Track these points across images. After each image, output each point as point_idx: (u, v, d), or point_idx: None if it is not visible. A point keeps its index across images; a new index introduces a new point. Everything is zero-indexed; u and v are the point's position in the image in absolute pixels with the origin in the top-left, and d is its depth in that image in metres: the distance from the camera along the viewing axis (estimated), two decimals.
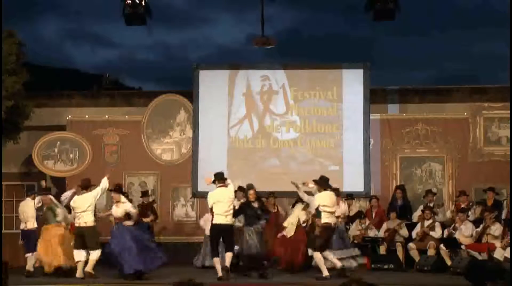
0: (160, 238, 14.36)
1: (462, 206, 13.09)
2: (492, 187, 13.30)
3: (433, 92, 15.72)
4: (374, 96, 15.05)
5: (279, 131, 15.02)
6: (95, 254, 11.25)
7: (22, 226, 12.45)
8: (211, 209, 11.06)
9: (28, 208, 12.37)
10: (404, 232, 13.08)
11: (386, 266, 12.49)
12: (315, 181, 11.26)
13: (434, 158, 14.84)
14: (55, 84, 18.11)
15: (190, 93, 15.23)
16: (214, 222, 10.99)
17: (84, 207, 11.28)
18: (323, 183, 11.15)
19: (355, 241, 13.05)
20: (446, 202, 14.36)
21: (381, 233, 13.15)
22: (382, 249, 13.02)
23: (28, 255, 12.16)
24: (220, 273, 10.83)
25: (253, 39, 14.76)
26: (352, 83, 14.95)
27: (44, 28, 55.86)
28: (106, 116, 15.43)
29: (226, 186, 11.10)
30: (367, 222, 13.33)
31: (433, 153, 14.86)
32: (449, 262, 12.14)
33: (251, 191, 11.83)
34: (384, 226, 13.22)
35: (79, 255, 11.31)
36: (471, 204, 13.22)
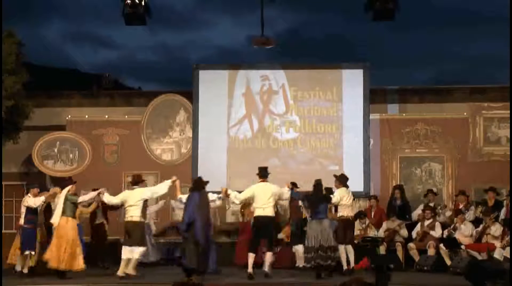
0: (160, 238, 14.34)
1: (461, 205, 13.10)
2: (493, 187, 13.26)
3: (432, 92, 15.73)
4: (374, 96, 15.05)
5: (279, 131, 15.02)
6: (139, 252, 10.97)
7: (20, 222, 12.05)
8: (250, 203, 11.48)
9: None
10: (404, 233, 13.07)
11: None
12: (336, 176, 11.72)
13: (434, 158, 14.84)
14: (55, 84, 18.10)
15: (190, 93, 15.23)
16: (255, 214, 11.23)
17: (133, 201, 11.10)
18: (343, 180, 11.63)
19: (355, 241, 13.03)
20: (446, 202, 14.35)
21: (380, 233, 13.14)
22: (382, 249, 13.01)
23: (26, 253, 11.78)
24: (250, 269, 10.75)
25: (253, 39, 14.74)
26: (352, 83, 14.94)
27: (45, 28, 55.89)
28: (106, 116, 15.44)
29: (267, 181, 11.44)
30: (367, 221, 13.33)
31: (433, 153, 14.87)
32: (449, 262, 12.12)
33: None
34: (384, 226, 13.22)
35: (125, 252, 10.97)
36: (469, 204, 13.22)
